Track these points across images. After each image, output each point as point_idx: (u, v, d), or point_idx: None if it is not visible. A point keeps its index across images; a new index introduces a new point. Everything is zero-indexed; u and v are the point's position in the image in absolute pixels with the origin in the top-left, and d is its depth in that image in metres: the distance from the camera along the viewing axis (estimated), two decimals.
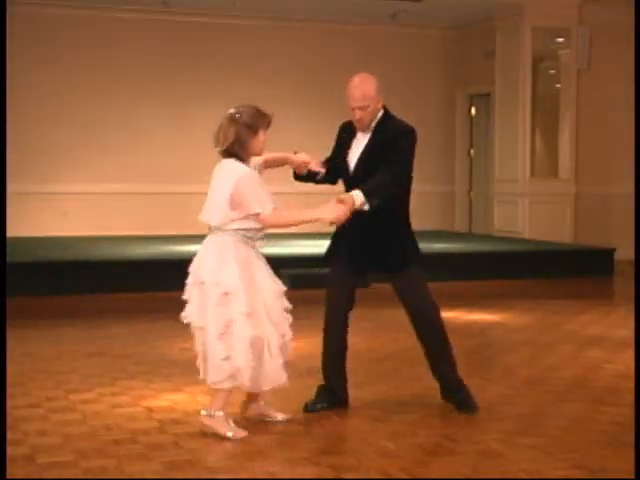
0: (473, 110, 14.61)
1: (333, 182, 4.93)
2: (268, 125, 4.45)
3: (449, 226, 14.34)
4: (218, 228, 4.39)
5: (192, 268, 4.45)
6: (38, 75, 12.51)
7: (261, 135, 4.43)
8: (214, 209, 4.38)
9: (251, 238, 4.42)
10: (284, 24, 13.40)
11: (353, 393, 4.88)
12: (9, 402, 4.83)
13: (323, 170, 4.71)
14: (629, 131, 12.20)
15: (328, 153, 4.90)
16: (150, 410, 4.75)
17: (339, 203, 4.37)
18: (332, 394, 4.79)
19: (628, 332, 7.04)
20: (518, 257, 11.00)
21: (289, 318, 4.53)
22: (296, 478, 3.73)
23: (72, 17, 12.64)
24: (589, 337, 7.09)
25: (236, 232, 4.36)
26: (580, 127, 13.03)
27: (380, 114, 4.64)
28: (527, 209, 12.80)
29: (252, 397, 4.58)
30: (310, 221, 4.51)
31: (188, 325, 4.56)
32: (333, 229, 4.77)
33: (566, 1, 12.70)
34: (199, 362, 4.48)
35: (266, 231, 4.46)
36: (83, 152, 12.62)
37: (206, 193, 4.48)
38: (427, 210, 13.29)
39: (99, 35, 12.80)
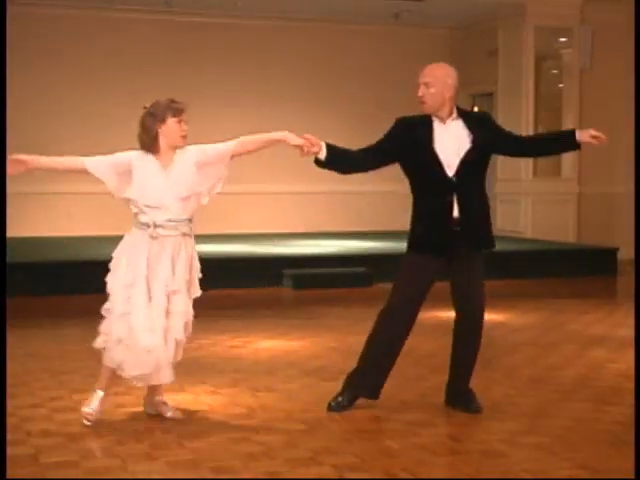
0: (476, 109, 14.58)
1: (363, 170, 4.88)
2: (179, 114, 4.46)
3: None
4: None
5: None
6: (42, 76, 12.51)
7: (171, 124, 4.45)
8: None
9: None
10: (286, 24, 13.40)
11: None
12: (13, 402, 4.84)
13: (318, 149, 4.55)
14: (632, 131, 12.20)
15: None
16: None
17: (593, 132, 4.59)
18: (361, 387, 4.75)
19: (631, 331, 7.02)
20: (521, 257, 11.00)
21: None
22: (299, 478, 3.74)
23: (74, 17, 12.64)
24: (592, 337, 7.09)
25: None
26: (583, 126, 12.90)
27: (455, 109, 4.65)
28: (530, 209, 12.79)
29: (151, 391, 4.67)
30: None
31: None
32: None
33: (569, 1, 12.69)
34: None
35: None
36: (86, 152, 12.61)
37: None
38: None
39: (101, 35, 12.80)
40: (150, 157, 4.51)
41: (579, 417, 4.69)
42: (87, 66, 12.71)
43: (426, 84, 4.60)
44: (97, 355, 6.18)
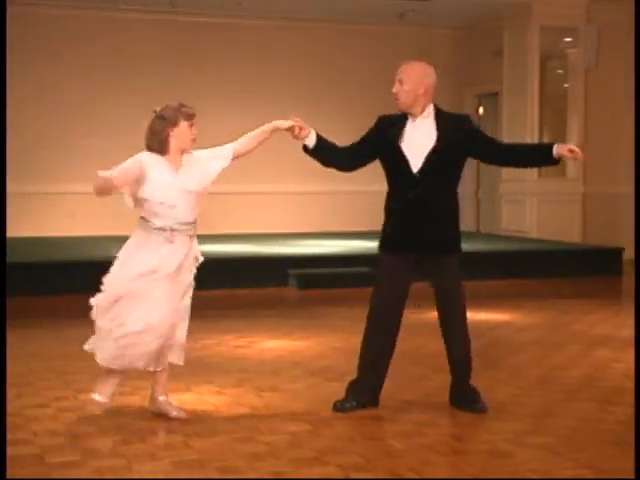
0: (481, 109, 14.59)
1: (346, 169, 4.91)
2: (191, 118, 4.54)
3: None
4: None
5: None
6: (46, 76, 12.54)
7: (183, 127, 4.51)
8: None
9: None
10: (291, 24, 13.40)
11: None
12: (18, 402, 4.86)
13: (307, 133, 4.64)
14: (633, 131, 12.19)
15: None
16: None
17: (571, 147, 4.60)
18: (363, 393, 4.77)
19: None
20: (526, 257, 10.99)
21: None
22: (304, 478, 3.74)
23: (78, 17, 12.66)
24: (597, 337, 7.09)
25: None
26: (588, 126, 13.01)
27: (431, 107, 4.73)
28: (535, 209, 12.78)
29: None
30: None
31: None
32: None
33: (574, 0, 12.67)
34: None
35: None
36: (89, 152, 12.63)
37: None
38: None
39: (106, 35, 12.82)
40: (160, 158, 4.54)
41: (584, 417, 4.69)
42: (89, 66, 12.73)
43: (400, 81, 4.67)
44: None
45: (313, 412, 4.71)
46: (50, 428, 4.40)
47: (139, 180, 4.50)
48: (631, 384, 5.38)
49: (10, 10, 9.74)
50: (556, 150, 4.62)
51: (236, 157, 4.69)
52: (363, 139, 4.80)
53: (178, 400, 4.94)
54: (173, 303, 4.54)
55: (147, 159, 4.56)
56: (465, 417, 4.65)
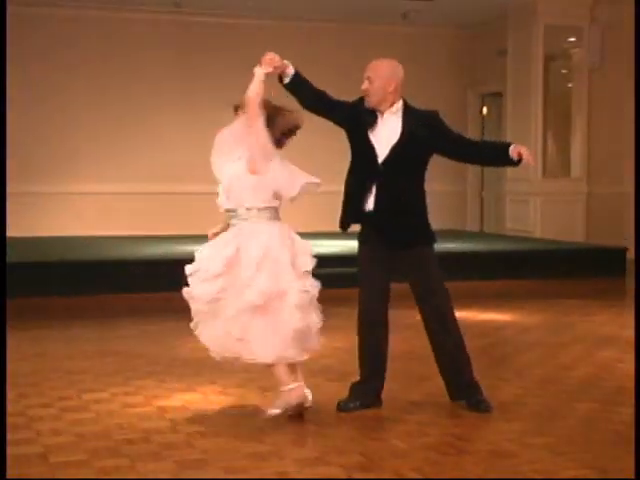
0: (485, 109, 14.58)
1: (319, 107, 4.90)
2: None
3: (461, 225, 14.32)
4: None
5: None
6: (50, 76, 12.56)
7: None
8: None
9: None
10: (295, 24, 13.41)
11: None
12: (23, 402, 4.87)
13: (279, 63, 4.80)
14: (633, 131, 12.19)
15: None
16: (163, 410, 4.77)
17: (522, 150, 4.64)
18: (367, 394, 4.78)
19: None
20: (530, 256, 10.98)
21: None
22: (308, 478, 3.74)
23: (84, 18, 12.69)
24: (601, 337, 7.08)
25: None
26: (592, 126, 13.00)
27: (399, 103, 4.73)
28: (539, 208, 12.77)
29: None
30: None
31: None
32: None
33: (578, 0, 12.66)
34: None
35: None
36: (95, 152, 12.67)
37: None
38: (439, 209, 13.15)
39: (111, 36, 12.84)
40: None
41: (587, 417, 4.68)
42: (91, 66, 12.76)
43: (369, 79, 4.72)
44: (107, 355, 6.22)
45: (316, 412, 4.71)
46: (54, 428, 4.41)
47: None
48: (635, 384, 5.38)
49: (12, 10, 9.74)
50: (511, 151, 4.66)
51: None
52: (344, 102, 4.86)
53: (182, 400, 4.95)
54: None
55: None
56: (468, 417, 4.65)
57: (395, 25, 13.69)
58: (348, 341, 6.58)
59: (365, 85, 4.72)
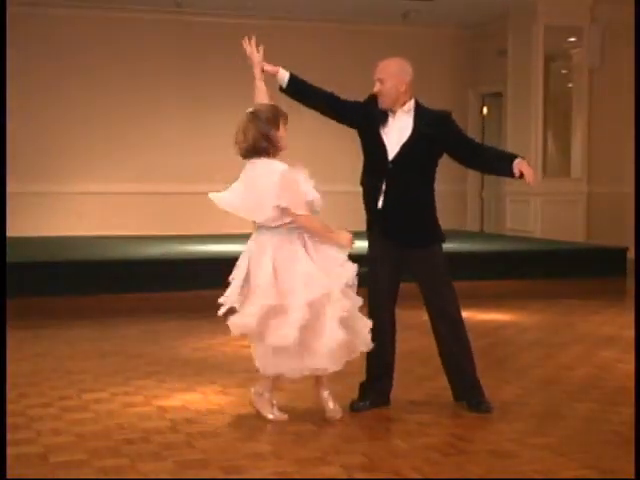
0: (485, 109, 14.58)
1: (325, 106, 4.87)
2: (286, 120, 4.52)
3: (461, 225, 14.32)
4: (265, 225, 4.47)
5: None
6: (52, 76, 12.56)
7: (282, 130, 4.49)
8: (262, 207, 4.41)
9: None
10: (296, 24, 13.41)
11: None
12: (23, 401, 4.87)
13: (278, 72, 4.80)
14: (633, 131, 12.19)
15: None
16: (163, 409, 4.76)
17: (525, 169, 4.57)
18: (376, 393, 4.78)
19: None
20: (530, 257, 10.97)
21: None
22: (308, 478, 3.74)
23: (81, 17, 12.67)
24: (602, 337, 7.08)
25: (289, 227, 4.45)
26: (592, 126, 13.00)
27: (411, 102, 4.73)
28: (539, 208, 12.77)
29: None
30: (329, 240, 4.53)
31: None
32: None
33: (578, 0, 12.66)
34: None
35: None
36: (96, 152, 12.67)
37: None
38: (439, 209, 13.18)
39: (112, 35, 12.83)
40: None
41: (588, 418, 4.68)
42: (92, 66, 12.73)
43: (380, 80, 4.69)
44: (107, 355, 6.22)
45: (317, 412, 4.71)
46: (54, 428, 4.41)
47: None
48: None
49: (12, 10, 9.74)
50: (514, 165, 4.62)
51: None
52: (355, 102, 4.84)
53: (182, 400, 4.95)
54: None
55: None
56: (469, 417, 4.65)
57: (395, 25, 13.68)
58: None
59: (377, 87, 4.69)
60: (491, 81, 14.05)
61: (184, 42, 13.09)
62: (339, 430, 4.43)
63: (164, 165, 12.87)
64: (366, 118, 4.75)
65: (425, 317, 4.85)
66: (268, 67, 4.85)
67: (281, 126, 4.48)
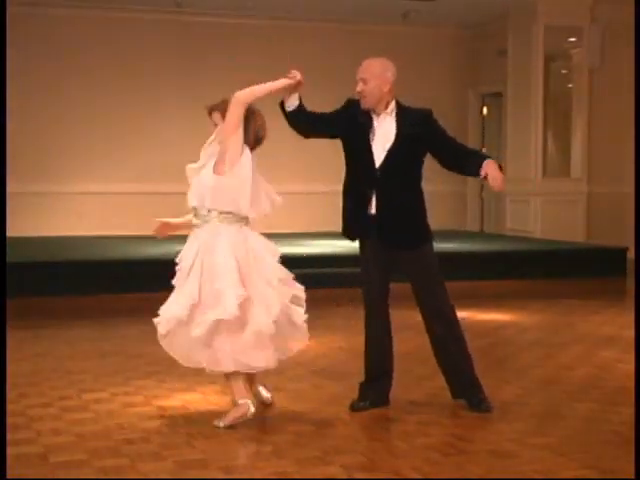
0: (485, 110, 14.58)
1: (303, 133, 4.86)
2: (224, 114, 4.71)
3: (461, 226, 14.32)
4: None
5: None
6: (52, 76, 12.56)
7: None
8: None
9: None
10: (295, 24, 13.41)
11: None
12: (23, 401, 4.87)
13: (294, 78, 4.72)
14: (633, 131, 12.19)
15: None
16: (163, 409, 4.76)
17: (491, 171, 4.54)
18: (375, 392, 4.79)
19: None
20: (530, 257, 10.97)
21: None
22: (308, 478, 3.74)
23: (81, 17, 12.67)
24: (602, 337, 7.08)
25: None
26: (592, 126, 13.00)
27: (393, 103, 4.70)
28: (539, 208, 12.77)
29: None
30: (274, 87, 4.64)
31: None
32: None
33: (578, 0, 12.66)
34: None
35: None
36: (96, 152, 12.67)
37: None
38: (439, 210, 13.23)
39: (112, 36, 12.83)
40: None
41: (588, 418, 4.68)
42: (92, 66, 12.73)
43: (363, 80, 4.67)
44: (107, 355, 6.22)
45: (317, 412, 4.72)
46: (54, 427, 4.41)
47: None
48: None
49: (12, 10, 9.74)
50: (483, 167, 4.57)
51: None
52: (334, 113, 4.81)
53: (182, 400, 4.95)
54: None
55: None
56: (469, 417, 4.65)
57: (395, 25, 13.68)
58: (348, 341, 6.60)
59: (360, 87, 4.67)
60: (491, 81, 14.05)
61: (184, 42, 13.09)
62: (339, 430, 4.43)
63: (164, 165, 12.86)
64: (349, 124, 4.71)
65: (388, 308, 4.84)
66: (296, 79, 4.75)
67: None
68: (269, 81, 4.66)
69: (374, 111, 4.69)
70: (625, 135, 12.91)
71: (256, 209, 4.58)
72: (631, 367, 5.88)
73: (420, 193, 4.81)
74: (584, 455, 4.03)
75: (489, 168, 4.55)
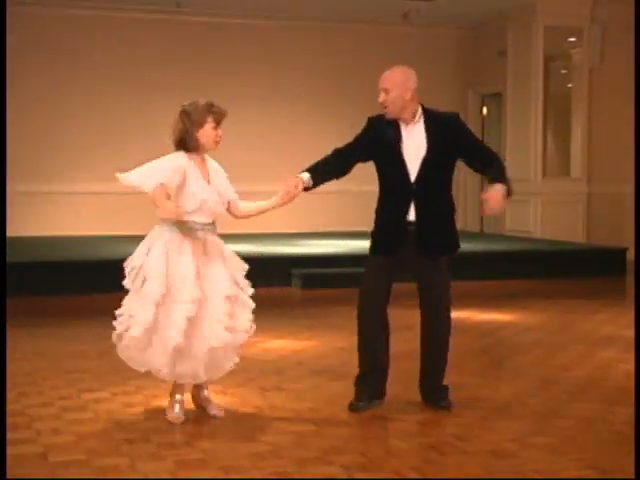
0: (485, 110, 14.58)
1: (340, 175, 4.82)
2: (218, 119, 4.53)
3: (461, 226, 14.30)
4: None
5: None
6: (52, 75, 12.57)
7: (209, 129, 4.52)
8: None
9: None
10: (296, 24, 13.41)
11: None
12: (22, 401, 4.86)
13: (300, 184, 4.65)
14: (633, 131, 12.19)
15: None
16: (163, 409, 4.75)
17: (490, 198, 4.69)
18: (370, 387, 4.78)
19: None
20: (530, 257, 10.98)
21: None
22: (308, 478, 3.74)
23: (81, 17, 12.69)
24: (602, 337, 7.08)
25: None
26: (592, 126, 13.00)
27: (419, 109, 4.67)
28: (539, 209, 12.77)
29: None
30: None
31: None
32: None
33: (578, 0, 12.66)
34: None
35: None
36: (94, 152, 12.66)
37: None
38: None
39: (112, 36, 12.85)
40: (188, 158, 4.61)
41: (588, 418, 4.68)
42: (92, 66, 12.77)
43: (385, 90, 4.63)
44: (106, 355, 6.21)
45: (317, 412, 4.72)
46: (54, 427, 4.41)
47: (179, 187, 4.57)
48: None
49: (12, 10, 9.74)
50: (488, 193, 4.76)
51: (227, 210, 4.86)
52: (358, 139, 4.76)
53: None
54: None
55: (186, 163, 4.61)
56: (468, 417, 4.64)
57: (395, 25, 13.69)
58: (349, 341, 6.57)
59: (382, 97, 4.63)
60: (491, 81, 14.06)
61: (184, 42, 13.09)
62: (339, 430, 4.43)
63: None
64: (376, 142, 4.67)
65: (386, 313, 4.85)
66: (297, 191, 4.69)
67: (207, 125, 4.51)
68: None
69: (401, 121, 4.65)
70: (625, 135, 12.91)
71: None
72: (631, 367, 5.88)
73: (452, 198, 4.83)
74: (584, 455, 4.03)
75: (490, 196, 4.74)
